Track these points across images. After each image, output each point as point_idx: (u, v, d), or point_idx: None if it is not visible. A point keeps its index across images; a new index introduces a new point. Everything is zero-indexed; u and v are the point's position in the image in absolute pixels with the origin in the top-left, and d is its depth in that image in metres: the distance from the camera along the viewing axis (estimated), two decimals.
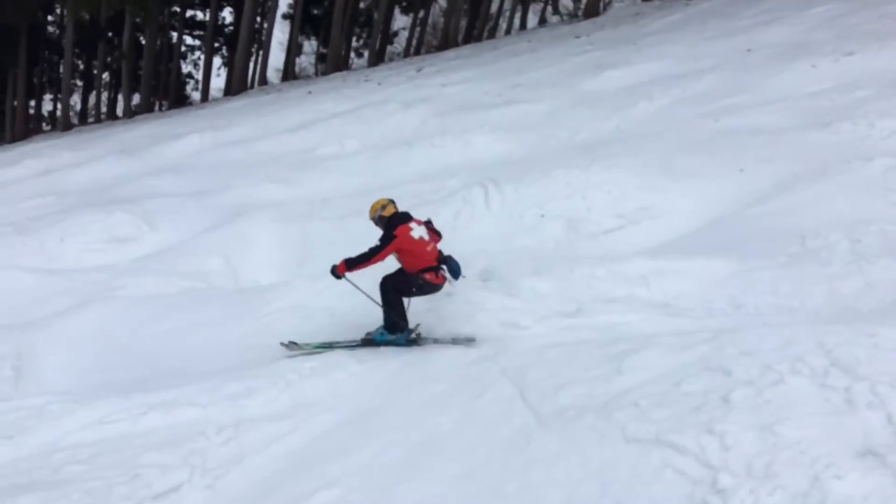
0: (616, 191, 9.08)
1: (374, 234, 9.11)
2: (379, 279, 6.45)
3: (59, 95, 30.85)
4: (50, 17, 31.32)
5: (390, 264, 6.52)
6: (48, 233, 11.68)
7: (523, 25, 30.91)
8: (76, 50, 28.88)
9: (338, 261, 6.30)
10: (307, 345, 6.39)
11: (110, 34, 28.80)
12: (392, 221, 6.40)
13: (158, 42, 28.90)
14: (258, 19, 29.00)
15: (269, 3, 29.01)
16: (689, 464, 3.42)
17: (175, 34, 31.10)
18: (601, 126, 12.18)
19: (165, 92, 30.48)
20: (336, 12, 25.48)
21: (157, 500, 4.03)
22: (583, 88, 14.43)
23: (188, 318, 8.43)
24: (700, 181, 9.01)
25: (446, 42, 27.60)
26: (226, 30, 31.78)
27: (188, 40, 32.51)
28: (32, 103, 31.21)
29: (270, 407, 5.18)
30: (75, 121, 29.41)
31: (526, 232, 9.07)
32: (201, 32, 31.91)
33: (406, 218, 6.45)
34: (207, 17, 30.17)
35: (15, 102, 28.07)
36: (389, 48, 32.05)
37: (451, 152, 12.52)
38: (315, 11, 31.30)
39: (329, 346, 6.40)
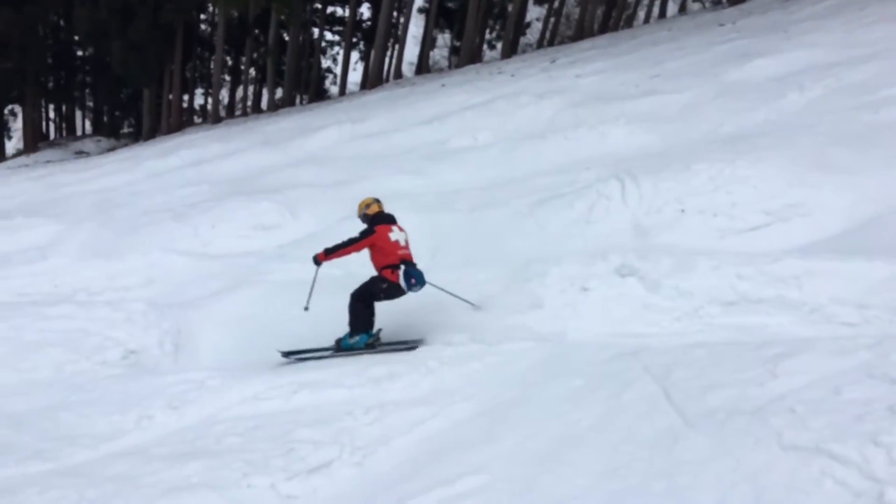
0: (763, 186, 8.64)
1: (478, 231, 9.23)
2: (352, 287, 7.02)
3: (210, 90, 32.93)
4: (203, 16, 33.42)
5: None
6: (201, 219, 12.53)
7: (662, 14, 29.91)
8: (226, 47, 30.67)
9: (320, 249, 6.94)
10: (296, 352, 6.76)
11: (257, 31, 30.38)
12: (374, 219, 6.96)
13: (301, 38, 30.21)
14: (394, 14, 29.70)
15: None
16: (852, 475, 3.23)
17: (316, 30, 32.40)
18: (747, 118, 11.61)
19: (306, 86, 31.84)
20: (471, 5, 25.68)
21: (310, 474, 4.25)
22: (727, 78, 13.80)
23: (328, 303, 8.81)
24: (856, 176, 8.41)
25: (581, 32, 27.17)
26: (363, 25, 32.76)
27: (328, 36, 33.77)
28: (186, 97, 33.44)
29: (412, 391, 5.34)
30: (223, 114, 31.25)
31: (665, 227, 8.81)
32: (341, 28, 33.06)
33: (389, 220, 6.98)
34: (347, 14, 31.22)
35: (171, 96, 30.22)
36: (522, 39, 31.95)
37: (586, 144, 12.35)
38: (450, 4, 31.65)
39: (309, 351, 6.78)
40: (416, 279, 6.63)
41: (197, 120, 34.65)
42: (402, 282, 6.69)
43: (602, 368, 5.13)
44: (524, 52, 29.61)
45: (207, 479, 4.19)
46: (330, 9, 32.54)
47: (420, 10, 32.32)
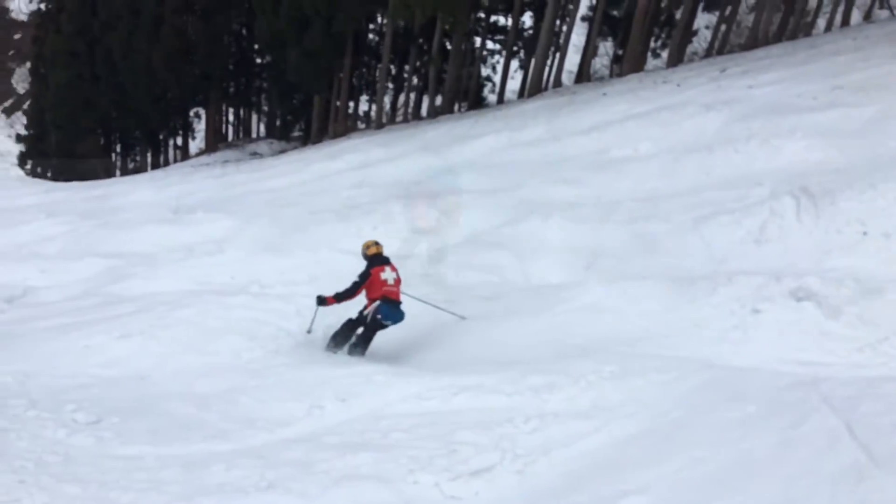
0: None
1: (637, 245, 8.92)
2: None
3: (374, 97, 34.27)
4: (371, 26, 34.89)
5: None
6: (363, 220, 13.11)
7: (846, 22, 27.78)
8: (391, 55, 31.83)
9: (329, 293, 7.99)
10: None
11: (421, 41, 31.29)
12: (372, 260, 8.10)
13: (462, 47, 30.81)
14: (557, 22, 29.59)
15: (570, 7, 29.41)
16: None
17: (478, 39, 32.89)
18: None
19: (465, 94, 32.40)
20: (637, 12, 25.07)
21: (472, 477, 4.35)
22: None
23: (485, 308, 8.95)
24: None
25: (755, 40, 25.76)
26: (525, 34, 32.89)
27: (489, 45, 34.15)
28: (351, 103, 35.03)
29: (572, 404, 5.32)
30: (385, 120, 32.44)
31: (844, 249, 8.22)
32: (502, 37, 33.36)
33: (383, 261, 8.13)
34: (509, 22, 31.46)
35: (338, 102, 31.76)
36: (689, 48, 30.77)
37: (758, 158, 11.73)
38: (614, 13, 31.09)
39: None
40: (382, 315, 7.80)
41: (360, 125, 36.20)
42: (377, 314, 7.85)
43: (776, 396, 4.86)
44: (691, 60, 28.48)
45: (376, 472, 4.39)
46: (493, 18, 32.92)
47: (583, 19, 31.95)
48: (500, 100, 31.11)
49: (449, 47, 29.62)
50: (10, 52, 72.43)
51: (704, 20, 32.58)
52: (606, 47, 33.29)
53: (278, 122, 39.94)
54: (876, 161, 10.28)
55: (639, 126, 15.58)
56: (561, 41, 30.04)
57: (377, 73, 33.85)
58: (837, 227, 8.61)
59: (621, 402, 5.30)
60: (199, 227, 14.58)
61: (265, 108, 41.68)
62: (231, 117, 43.79)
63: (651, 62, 29.91)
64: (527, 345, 7.21)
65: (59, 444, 4.75)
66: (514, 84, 32.87)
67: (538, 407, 5.30)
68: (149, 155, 42.42)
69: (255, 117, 43.07)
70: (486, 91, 35.21)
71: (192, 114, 41.32)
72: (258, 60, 39.32)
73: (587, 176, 13.57)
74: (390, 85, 35.19)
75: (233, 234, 13.88)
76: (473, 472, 4.37)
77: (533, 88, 27.41)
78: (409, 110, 32.83)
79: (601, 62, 33.25)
